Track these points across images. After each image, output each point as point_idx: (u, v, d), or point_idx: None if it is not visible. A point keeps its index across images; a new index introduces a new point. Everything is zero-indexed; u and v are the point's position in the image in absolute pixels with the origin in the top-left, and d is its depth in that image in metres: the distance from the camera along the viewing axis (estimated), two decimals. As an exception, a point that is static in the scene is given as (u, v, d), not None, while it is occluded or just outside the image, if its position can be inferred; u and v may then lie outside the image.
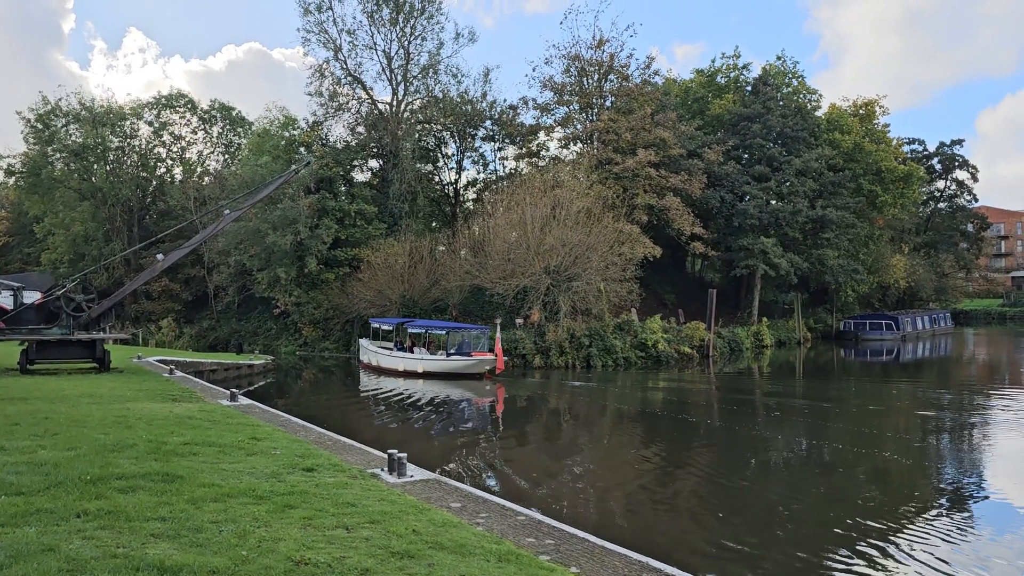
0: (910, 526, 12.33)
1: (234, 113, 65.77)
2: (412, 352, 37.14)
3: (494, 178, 60.02)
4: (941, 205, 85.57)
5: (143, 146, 62.24)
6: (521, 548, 7.24)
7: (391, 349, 38.71)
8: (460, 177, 61.32)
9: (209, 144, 66.02)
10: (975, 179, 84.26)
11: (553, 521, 8.70)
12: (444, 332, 36.25)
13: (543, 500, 13.88)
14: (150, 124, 62.21)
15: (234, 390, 19.24)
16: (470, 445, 20.08)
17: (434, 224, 61.14)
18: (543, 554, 7.17)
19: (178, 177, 63.47)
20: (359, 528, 7.45)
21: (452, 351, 35.54)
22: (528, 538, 7.74)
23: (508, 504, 9.41)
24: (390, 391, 31.28)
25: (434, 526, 7.71)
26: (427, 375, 35.23)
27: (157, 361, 31.37)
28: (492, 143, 60.08)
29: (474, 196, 61.64)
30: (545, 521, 8.63)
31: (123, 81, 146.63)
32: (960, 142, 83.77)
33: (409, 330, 38.69)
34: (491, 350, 35.56)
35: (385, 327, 40.78)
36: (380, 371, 37.67)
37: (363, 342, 41.65)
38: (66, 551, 6.15)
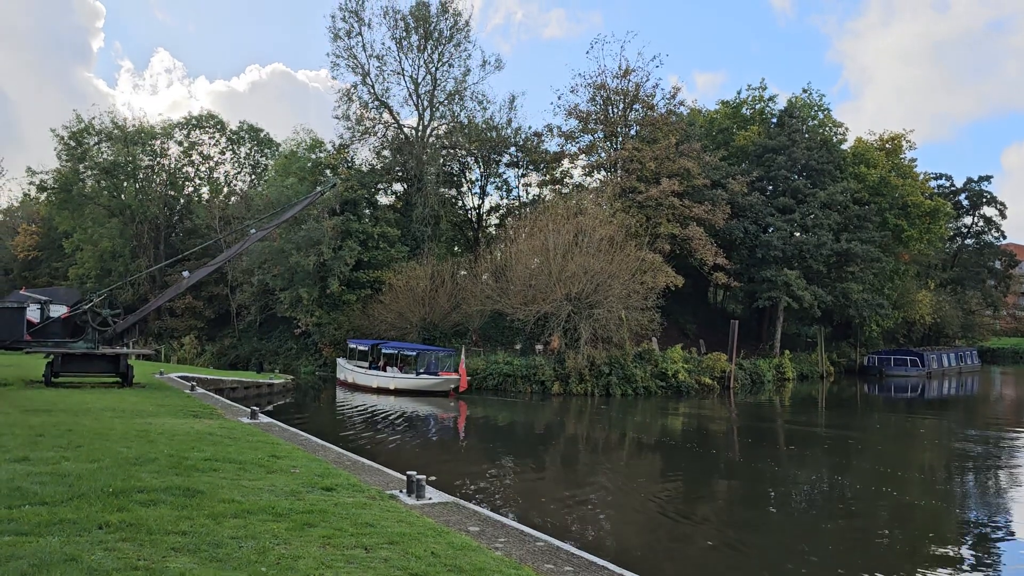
0: (928, 570, 12.06)
1: (262, 135, 66.79)
2: (385, 371, 39.68)
3: (517, 204, 60.27)
4: (968, 241, 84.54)
5: (172, 165, 63.33)
6: (540, 574, 7.16)
7: (366, 368, 40.79)
8: (483, 202, 61.75)
9: (236, 164, 67.04)
10: (1003, 216, 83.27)
11: (572, 548, 8.61)
12: (415, 353, 39.10)
13: (561, 527, 13.73)
14: (180, 144, 63.35)
15: (254, 408, 19.30)
16: (486, 469, 19.96)
17: (456, 248, 61.41)
18: (563, 581, 7.08)
19: (205, 196, 64.37)
20: (378, 548, 7.41)
21: (421, 370, 38.44)
22: (547, 564, 7.66)
23: (527, 529, 9.32)
24: (371, 407, 33.31)
25: (453, 549, 7.65)
26: (398, 392, 37.93)
27: (179, 377, 31.59)
28: (516, 169, 60.46)
29: (496, 221, 61.89)
30: (564, 548, 8.54)
31: (149, 100, 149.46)
32: (988, 178, 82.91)
33: (383, 350, 41.14)
34: (456, 370, 38.06)
35: (361, 347, 43.02)
36: (355, 388, 40.26)
37: (340, 361, 43.95)
38: (88, 562, 6.17)
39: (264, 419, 18.73)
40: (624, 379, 39.92)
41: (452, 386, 37.81)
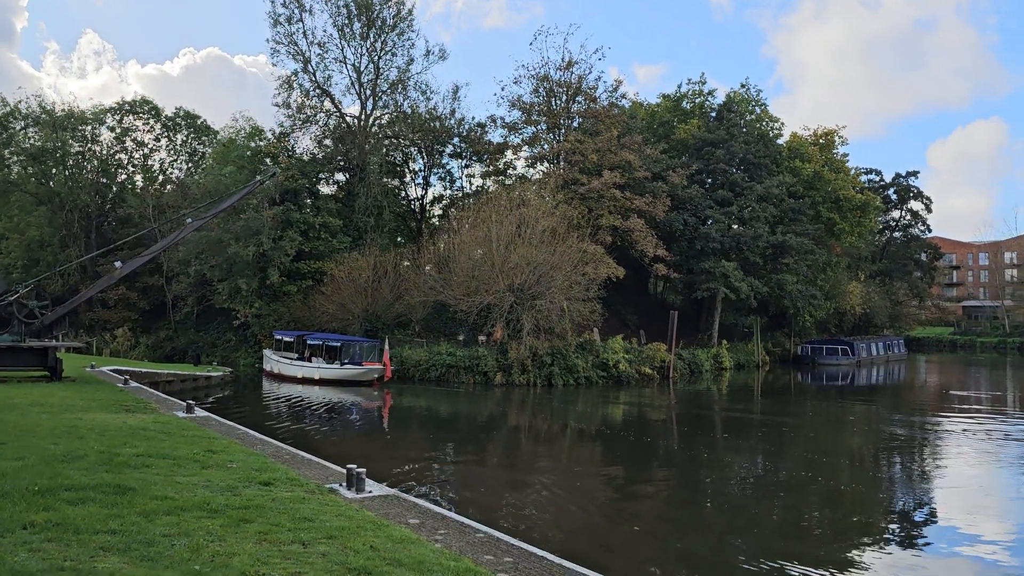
0: (855, 548, 12.55)
1: (199, 122, 65.03)
2: (310, 361, 40.11)
3: (460, 195, 60.11)
4: (896, 234, 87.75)
5: (104, 152, 61.14)
6: (480, 566, 7.22)
7: (292, 359, 41.22)
8: (426, 193, 61.37)
9: (172, 152, 65.15)
10: (929, 210, 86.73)
11: (512, 539, 8.69)
12: (339, 344, 39.50)
13: (501, 518, 13.83)
14: (112, 129, 61.21)
15: (191, 402, 18.90)
16: (428, 461, 19.96)
17: (399, 239, 60.93)
18: (501, 572, 7.16)
19: (139, 184, 62.42)
20: (316, 543, 7.37)
21: (345, 361, 38.77)
22: (487, 555, 7.72)
23: (467, 521, 9.38)
24: (300, 398, 33.56)
25: (392, 542, 7.65)
26: (322, 382, 38.36)
27: (111, 371, 30.67)
28: (459, 160, 60.26)
29: (440, 212, 61.65)
30: (504, 539, 8.61)
31: (77, 84, 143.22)
32: (915, 173, 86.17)
33: (308, 341, 41.35)
34: (381, 361, 38.50)
35: (287, 339, 43.28)
36: (281, 379, 40.52)
37: (267, 352, 44.08)
38: (11, 564, 5.99)
39: (201, 413, 18.36)
40: (566, 369, 40.30)
41: (376, 375, 38.46)
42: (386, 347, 38.78)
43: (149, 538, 7.04)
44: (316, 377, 38.87)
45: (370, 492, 10.28)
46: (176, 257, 51.12)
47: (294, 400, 32.55)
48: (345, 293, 45.38)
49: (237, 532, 7.54)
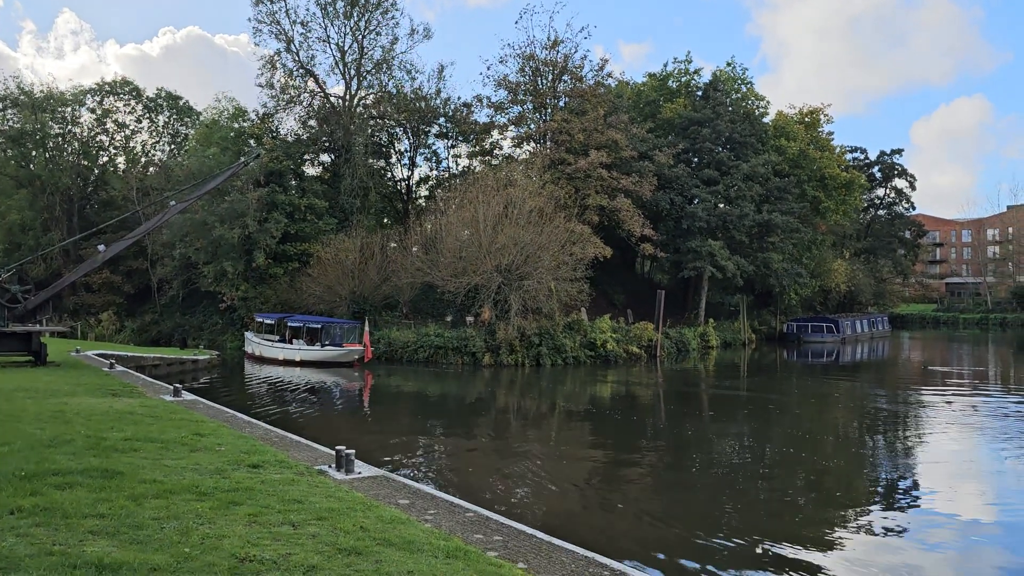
0: (839, 523, 12.72)
1: (181, 103, 64.27)
2: (291, 343, 40.37)
3: (447, 176, 59.85)
4: (880, 212, 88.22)
5: (85, 134, 60.40)
6: (469, 544, 7.26)
7: (274, 341, 41.42)
8: (413, 174, 61.10)
9: (155, 133, 64.42)
10: (913, 188, 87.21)
11: (501, 518, 8.74)
12: (319, 326, 39.90)
13: (491, 497, 13.91)
14: (92, 111, 60.40)
15: (177, 385, 18.83)
16: (417, 441, 20.02)
17: (386, 220, 60.70)
18: (491, 550, 7.20)
19: (121, 167, 61.74)
20: (306, 525, 7.38)
21: (326, 342, 39.23)
22: (476, 534, 7.77)
23: (457, 501, 9.42)
24: (284, 379, 33.96)
25: (382, 523, 7.68)
26: (303, 363, 38.85)
27: (96, 355, 30.51)
28: (445, 140, 59.94)
29: (426, 193, 61.40)
30: (493, 518, 8.66)
31: (54, 65, 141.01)
32: (900, 151, 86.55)
33: (289, 324, 41.66)
34: (361, 342, 38.66)
35: (268, 321, 43.32)
36: (263, 360, 40.91)
37: (248, 334, 44.30)
38: (-1, 549, 5.97)
39: (188, 396, 18.31)
40: (554, 349, 40.41)
41: (356, 357, 38.73)
42: (367, 328, 38.90)
43: (138, 522, 7.03)
44: (297, 359, 39.25)
45: (359, 473, 10.30)
46: (160, 240, 50.72)
47: (277, 382, 32.64)
48: (332, 275, 45.23)
49: (227, 515, 7.54)
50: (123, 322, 54.33)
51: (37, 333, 25.39)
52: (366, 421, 24.27)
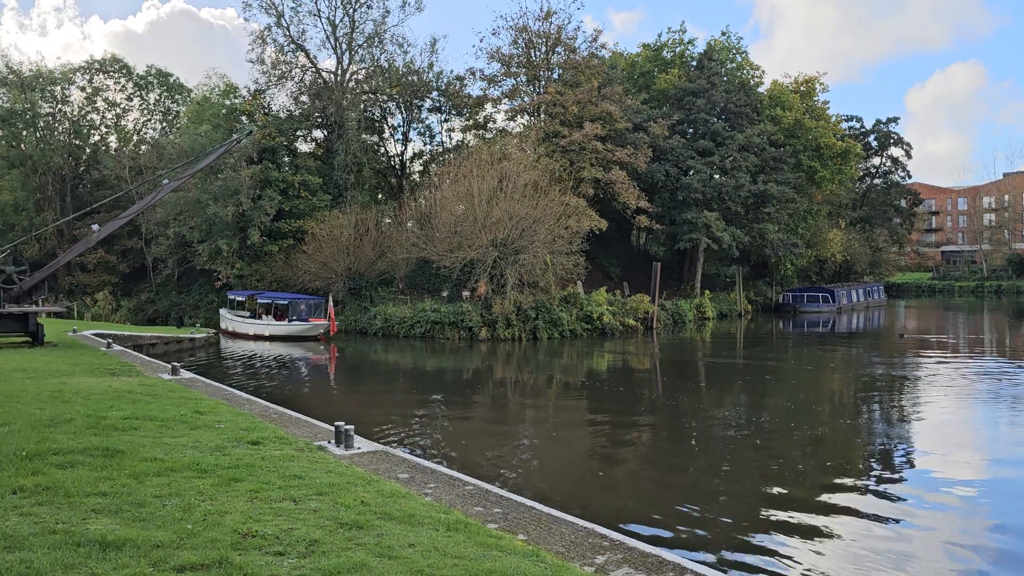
0: (836, 489, 12.86)
1: (171, 80, 63.67)
2: (261, 319, 41.98)
3: (441, 150, 59.55)
4: (876, 181, 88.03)
5: (75, 113, 59.85)
6: (469, 517, 7.33)
7: (244, 317, 43.14)
8: (406, 149, 60.76)
9: (146, 112, 63.90)
10: (909, 156, 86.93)
11: (500, 490, 8.83)
12: (286, 302, 41.61)
13: (489, 471, 14.02)
14: (83, 89, 59.82)
15: (175, 363, 18.87)
16: (416, 416, 20.12)
17: (380, 196, 60.43)
18: (491, 522, 7.28)
19: (113, 145, 61.32)
20: (307, 500, 7.44)
21: (293, 318, 40.80)
22: (476, 507, 7.84)
23: (456, 474, 9.50)
24: (251, 352, 35.25)
25: (382, 497, 7.75)
26: (272, 338, 40.44)
27: (93, 335, 30.51)
28: (438, 114, 59.56)
29: (420, 168, 61.07)
30: (492, 490, 8.74)
31: (38, 42, 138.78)
32: (896, 120, 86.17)
33: (259, 300, 43.31)
34: (326, 316, 40.05)
35: (239, 298, 44.97)
36: (236, 336, 42.60)
37: (223, 311, 45.86)
38: (2, 528, 6.02)
39: (186, 375, 18.36)
40: (550, 323, 40.50)
41: (321, 331, 40.25)
42: (330, 304, 39.99)
43: (140, 499, 7.08)
44: (267, 334, 40.80)
45: (359, 448, 10.37)
46: (154, 219, 50.53)
47: (249, 356, 33.76)
48: (327, 252, 45.18)
49: (228, 491, 7.60)
50: (119, 301, 54.25)
51: (34, 314, 25.37)
52: (364, 397, 24.37)
